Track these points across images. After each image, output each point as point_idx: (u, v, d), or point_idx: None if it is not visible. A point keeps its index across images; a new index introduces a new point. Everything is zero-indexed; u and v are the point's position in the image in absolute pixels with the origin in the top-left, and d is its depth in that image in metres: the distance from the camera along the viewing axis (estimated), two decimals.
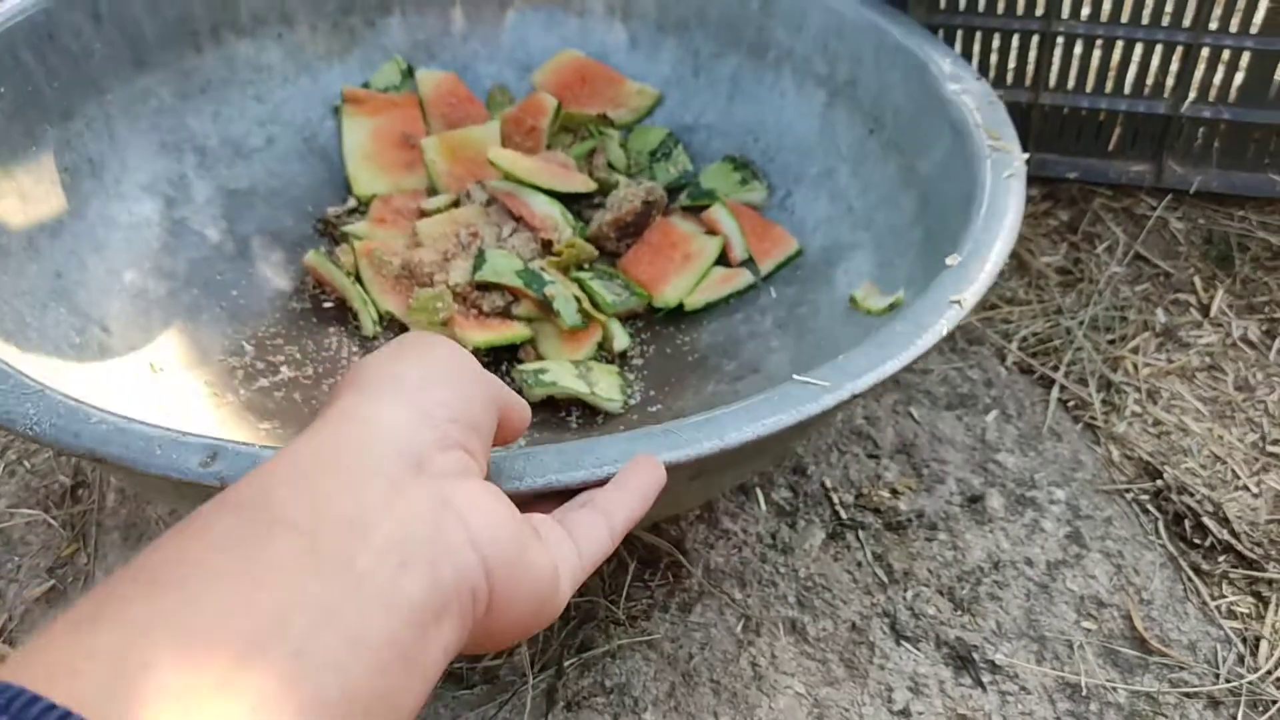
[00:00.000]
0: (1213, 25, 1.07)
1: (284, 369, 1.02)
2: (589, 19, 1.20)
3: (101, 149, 1.05)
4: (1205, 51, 1.09)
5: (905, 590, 0.86)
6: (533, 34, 1.21)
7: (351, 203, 1.15)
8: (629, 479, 0.61)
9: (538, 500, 0.62)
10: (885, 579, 0.87)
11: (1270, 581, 0.89)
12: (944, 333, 0.76)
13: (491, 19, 1.21)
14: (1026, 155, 0.89)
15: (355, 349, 1.05)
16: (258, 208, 1.12)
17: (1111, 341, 1.07)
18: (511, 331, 1.05)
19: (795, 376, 0.72)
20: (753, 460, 0.85)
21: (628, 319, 1.09)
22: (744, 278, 1.09)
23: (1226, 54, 1.09)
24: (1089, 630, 0.84)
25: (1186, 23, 1.08)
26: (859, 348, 0.75)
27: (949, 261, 0.81)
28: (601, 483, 0.62)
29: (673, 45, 1.19)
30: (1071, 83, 1.15)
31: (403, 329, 1.06)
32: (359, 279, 1.08)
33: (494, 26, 1.21)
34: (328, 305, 1.08)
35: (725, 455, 0.65)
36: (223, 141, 1.13)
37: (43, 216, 1.00)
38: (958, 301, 0.78)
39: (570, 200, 1.15)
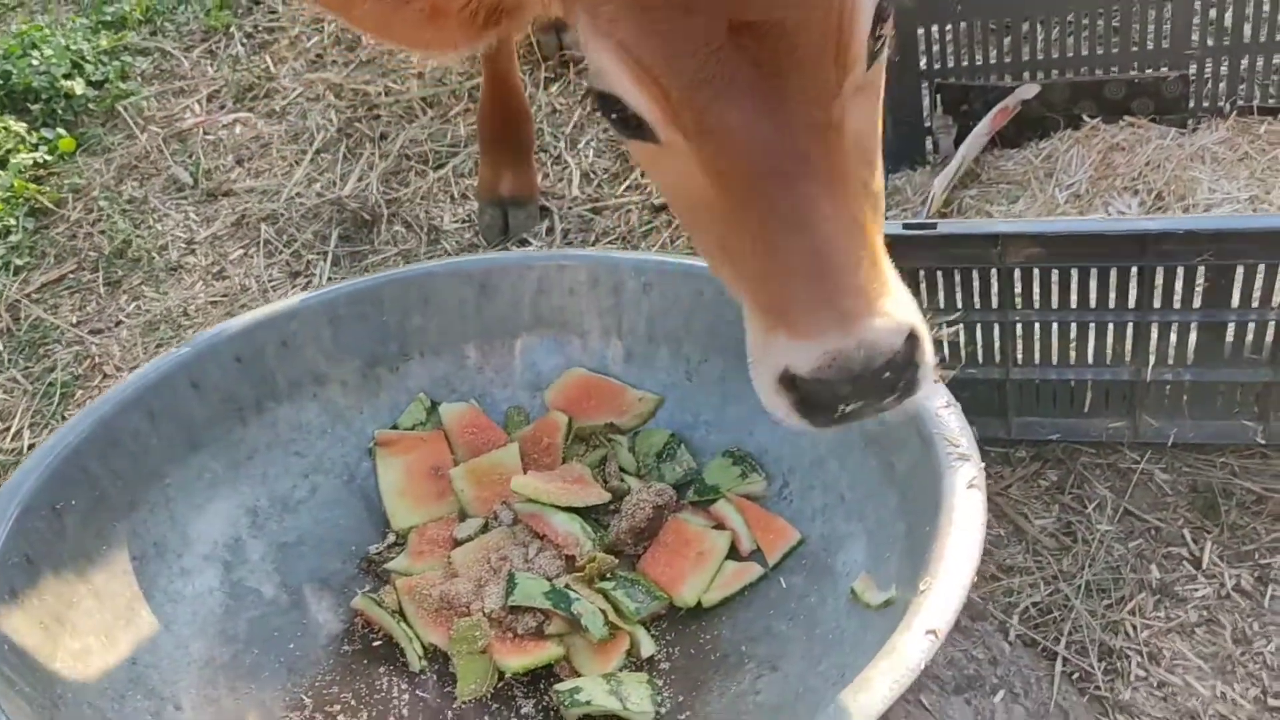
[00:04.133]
0: (1157, 304, 1.14)
1: (340, 718, 1.11)
2: (589, 339, 1.32)
3: (164, 531, 1.18)
4: (1155, 326, 1.16)
5: None
6: (540, 358, 1.33)
7: (391, 538, 1.26)
8: None
9: None
10: None
11: None
12: (922, 666, 0.83)
13: (503, 349, 1.33)
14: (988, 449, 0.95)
15: (404, 686, 1.14)
16: (307, 557, 1.24)
17: (1109, 605, 1.11)
18: (546, 653, 1.13)
19: None
20: None
21: (652, 621, 1.17)
22: (754, 571, 1.17)
23: (1175, 326, 1.16)
24: None
25: (1132, 304, 1.15)
26: (848, 691, 0.82)
27: (921, 587, 0.88)
28: None
29: (665, 355, 1.29)
30: (1037, 358, 1.22)
31: (446, 660, 1.15)
32: (403, 615, 1.18)
33: (505, 356, 1.33)
34: (377, 644, 1.18)
35: None
36: (271, 500, 1.25)
37: (118, 608, 1.12)
38: (933, 633, 0.85)
39: (589, 509, 1.24)
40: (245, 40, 2.54)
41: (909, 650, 0.84)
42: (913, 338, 0.74)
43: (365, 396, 1.31)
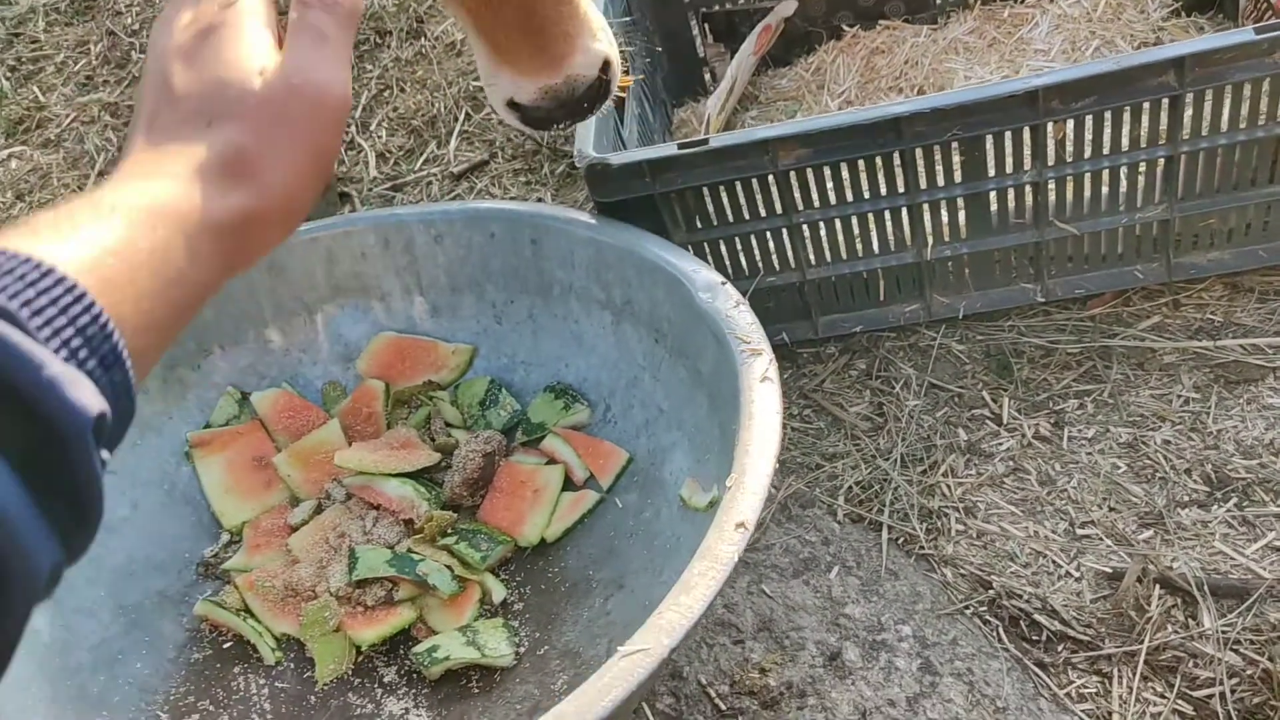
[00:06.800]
0: (922, 184, 1.20)
1: None
2: (390, 300, 1.31)
3: None
4: (926, 207, 1.22)
5: None
6: (345, 328, 1.32)
7: (225, 537, 1.24)
8: None
9: None
10: None
11: (1109, 656, 0.99)
12: (736, 559, 0.86)
13: (305, 327, 1.31)
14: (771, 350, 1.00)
15: (262, 681, 1.12)
16: (140, 575, 1.20)
17: (924, 472, 1.17)
18: (398, 619, 1.13)
19: (619, 648, 0.82)
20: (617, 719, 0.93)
21: (500, 566, 1.18)
22: (590, 498, 1.19)
23: (944, 204, 1.23)
24: None
25: (901, 189, 1.21)
26: (670, 597, 0.85)
27: (728, 483, 0.92)
28: None
29: (470, 303, 1.30)
30: (829, 256, 1.28)
31: (301, 647, 1.14)
32: (250, 612, 1.16)
33: (308, 333, 1.31)
34: (227, 645, 1.16)
35: None
36: None
37: None
38: (742, 525, 0.88)
39: (421, 471, 1.24)
40: (9, 74, 2.42)
41: (721, 547, 0.86)
42: (606, 65, 0.96)
43: (171, 400, 1.27)
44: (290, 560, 1.19)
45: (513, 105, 0.95)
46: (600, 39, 0.95)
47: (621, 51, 1.01)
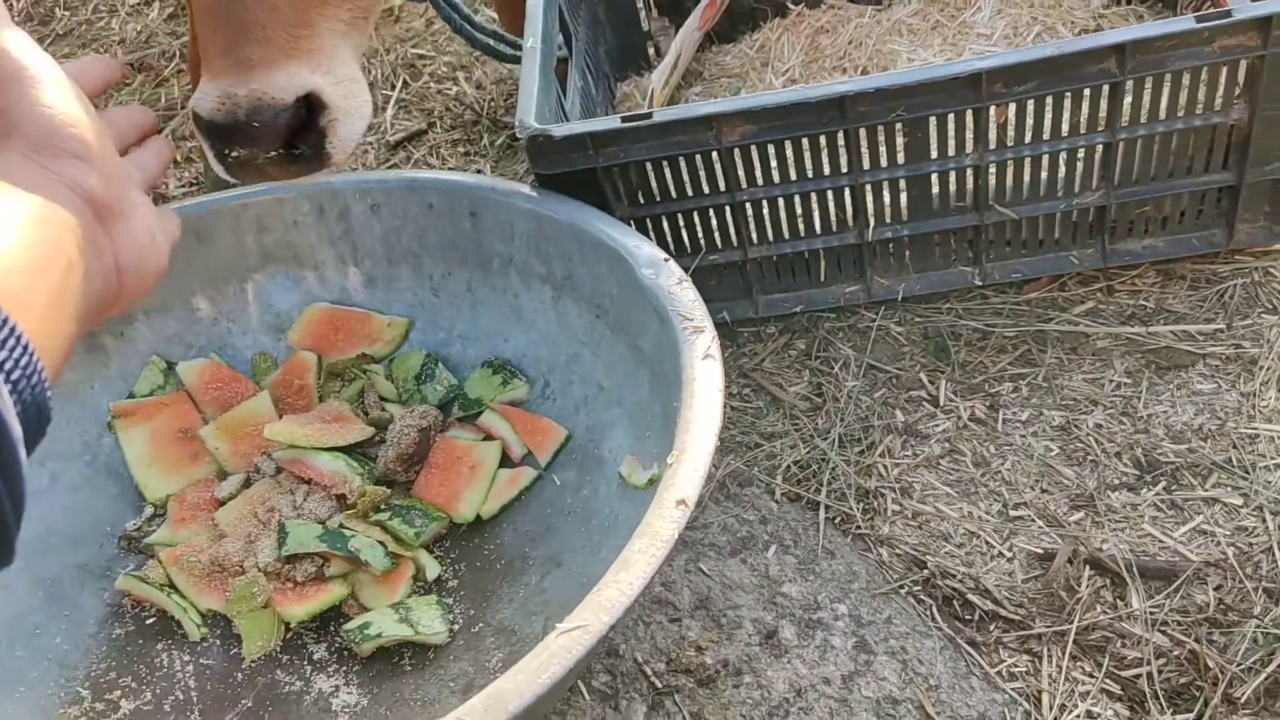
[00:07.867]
0: (865, 165, 1.20)
1: (123, 703, 1.06)
2: (324, 271, 1.28)
3: None
4: (868, 188, 1.22)
5: None
6: (276, 298, 1.28)
7: (149, 510, 1.20)
8: None
9: None
10: None
11: (1039, 636, 1.00)
12: (676, 537, 0.85)
13: (235, 295, 1.27)
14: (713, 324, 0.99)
15: (186, 658, 1.09)
16: (59, 548, 1.16)
17: (861, 452, 1.18)
18: (329, 595, 1.11)
19: (558, 625, 0.81)
20: (553, 696, 0.92)
21: (434, 543, 1.16)
22: (528, 475, 1.18)
23: (886, 185, 1.23)
24: None
25: (844, 169, 1.21)
26: (609, 574, 0.84)
27: (669, 460, 0.91)
28: None
29: (407, 275, 1.27)
30: (770, 234, 1.27)
31: (227, 623, 1.11)
32: (174, 587, 1.13)
33: (239, 302, 1.27)
34: (150, 621, 1.13)
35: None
36: None
37: None
38: (683, 502, 0.87)
39: (354, 445, 1.21)
40: None
41: (661, 525, 0.86)
42: (315, 103, 0.78)
43: (93, 368, 1.23)
44: (217, 535, 1.15)
45: (196, 117, 0.78)
46: (325, 71, 0.78)
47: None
